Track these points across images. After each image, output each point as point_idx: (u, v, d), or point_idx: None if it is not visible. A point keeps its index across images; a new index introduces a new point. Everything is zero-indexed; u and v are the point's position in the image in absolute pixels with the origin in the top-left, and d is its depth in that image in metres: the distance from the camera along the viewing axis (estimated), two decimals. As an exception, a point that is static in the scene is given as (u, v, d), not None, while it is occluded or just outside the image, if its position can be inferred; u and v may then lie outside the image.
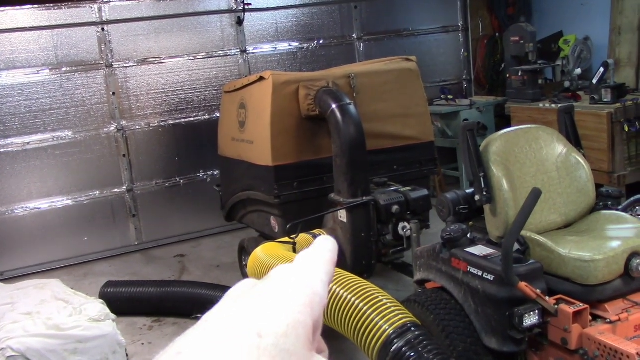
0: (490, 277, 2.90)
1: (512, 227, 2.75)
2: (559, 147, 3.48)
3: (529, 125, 3.63)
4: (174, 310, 4.98)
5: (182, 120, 6.99)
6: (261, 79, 4.96)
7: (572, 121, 3.66)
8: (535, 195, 2.66)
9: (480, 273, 2.97)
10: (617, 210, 3.41)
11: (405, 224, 4.44)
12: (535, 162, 3.40)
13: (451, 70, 8.40)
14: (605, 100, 5.94)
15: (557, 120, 3.70)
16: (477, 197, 3.29)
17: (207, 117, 7.08)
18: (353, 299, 3.09)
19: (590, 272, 2.86)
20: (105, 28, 6.57)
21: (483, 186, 3.26)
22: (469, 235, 3.25)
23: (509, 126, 6.98)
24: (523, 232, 2.98)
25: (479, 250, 3.12)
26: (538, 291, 2.74)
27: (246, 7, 7.05)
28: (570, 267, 2.91)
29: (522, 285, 2.70)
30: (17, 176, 6.35)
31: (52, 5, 6.36)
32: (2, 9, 6.18)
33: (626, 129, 5.82)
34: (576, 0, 7.68)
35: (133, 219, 6.86)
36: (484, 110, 7.51)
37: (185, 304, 4.90)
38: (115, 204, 6.77)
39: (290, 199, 4.80)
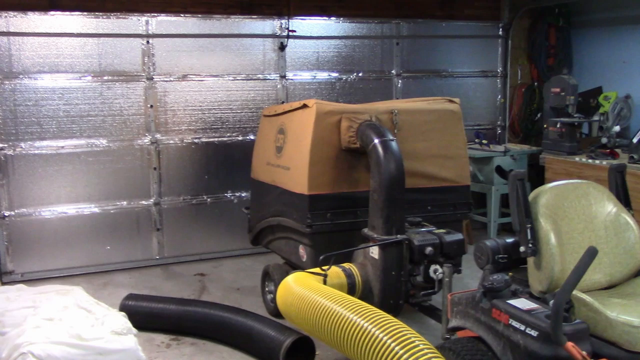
0: (534, 333, 2.82)
1: (564, 285, 2.67)
2: (609, 206, 3.41)
3: (579, 180, 3.57)
4: (193, 330, 4.91)
5: (216, 139, 7.00)
6: (304, 106, 4.95)
7: (623, 181, 3.60)
8: (591, 254, 2.59)
9: (522, 327, 2.89)
10: (664, 276, 3.33)
11: (438, 266, 4.37)
12: (584, 218, 3.33)
13: (486, 115, 8.37)
14: (645, 160, 5.87)
15: (608, 178, 3.64)
16: (522, 249, 3.22)
17: (240, 138, 7.08)
18: (389, 340, 3.02)
19: (639, 339, 2.77)
20: (150, 41, 6.63)
21: (529, 238, 3.19)
22: (511, 287, 3.18)
23: (542, 176, 6.96)
24: (569, 290, 2.90)
25: (522, 303, 3.04)
26: (584, 353, 2.65)
27: (290, 33, 7.10)
28: (617, 331, 2.82)
29: (570, 345, 2.62)
30: (48, 179, 6.36)
31: (101, 14, 6.44)
32: (52, 13, 6.27)
33: (665, 191, 5.72)
34: (618, 57, 7.66)
35: (157, 233, 6.84)
36: (517, 158, 7.45)
37: (205, 324, 4.83)
38: (141, 216, 6.76)
39: (322, 230, 4.75)
